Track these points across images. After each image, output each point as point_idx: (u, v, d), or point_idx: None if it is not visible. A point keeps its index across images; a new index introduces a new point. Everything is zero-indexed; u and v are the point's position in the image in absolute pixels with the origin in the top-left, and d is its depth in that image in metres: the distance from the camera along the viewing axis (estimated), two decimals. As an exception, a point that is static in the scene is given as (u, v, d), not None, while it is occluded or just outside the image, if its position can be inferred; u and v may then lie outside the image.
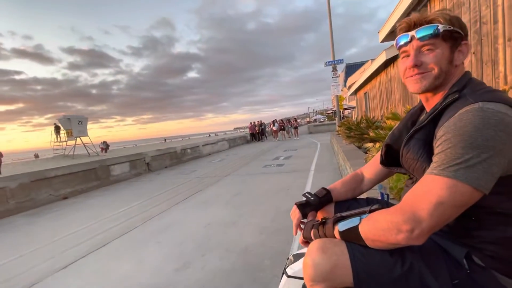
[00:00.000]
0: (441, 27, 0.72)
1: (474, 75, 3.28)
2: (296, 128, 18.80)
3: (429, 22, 0.73)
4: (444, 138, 0.64)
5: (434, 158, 0.66)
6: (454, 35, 0.73)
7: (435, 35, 0.72)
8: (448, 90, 0.75)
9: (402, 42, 0.78)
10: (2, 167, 15.35)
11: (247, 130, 22.37)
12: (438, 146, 0.66)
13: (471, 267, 0.69)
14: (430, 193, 0.61)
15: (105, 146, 28.95)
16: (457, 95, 0.70)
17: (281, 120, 19.50)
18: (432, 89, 0.76)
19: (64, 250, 2.78)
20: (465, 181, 0.59)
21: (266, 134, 20.26)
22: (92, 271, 2.28)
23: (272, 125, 19.25)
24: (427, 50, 0.74)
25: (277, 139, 18.14)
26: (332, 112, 45.35)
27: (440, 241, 0.76)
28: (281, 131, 18.30)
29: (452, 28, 0.72)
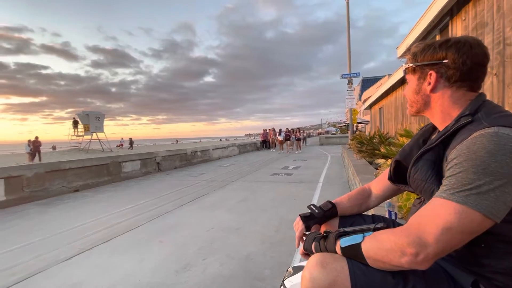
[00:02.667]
0: (404, 67, 0.83)
1: (495, 97, 3.19)
2: (298, 139, 15.88)
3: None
4: (455, 162, 0.63)
5: (444, 181, 0.64)
6: (418, 68, 0.79)
7: (405, 74, 0.85)
8: (460, 112, 0.73)
9: None
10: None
11: (259, 137, 22.16)
12: (449, 169, 0.64)
13: (478, 296, 0.66)
14: (438, 217, 0.59)
15: (130, 142, 32.02)
16: (470, 118, 0.68)
17: (287, 128, 16.80)
18: (416, 113, 0.85)
19: (70, 242, 2.84)
20: (475, 207, 0.57)
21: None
22: (94, 265, 2.31)
23: (278, 134, 16.10)
24: (407, 83, 0.86)
25: (281, 151, 15.66)
26: (345, 125, 44.84)
27: (446, 266, 0.73)
28: (287, 142, 15.67)
29: (411, 65, 0.80)
